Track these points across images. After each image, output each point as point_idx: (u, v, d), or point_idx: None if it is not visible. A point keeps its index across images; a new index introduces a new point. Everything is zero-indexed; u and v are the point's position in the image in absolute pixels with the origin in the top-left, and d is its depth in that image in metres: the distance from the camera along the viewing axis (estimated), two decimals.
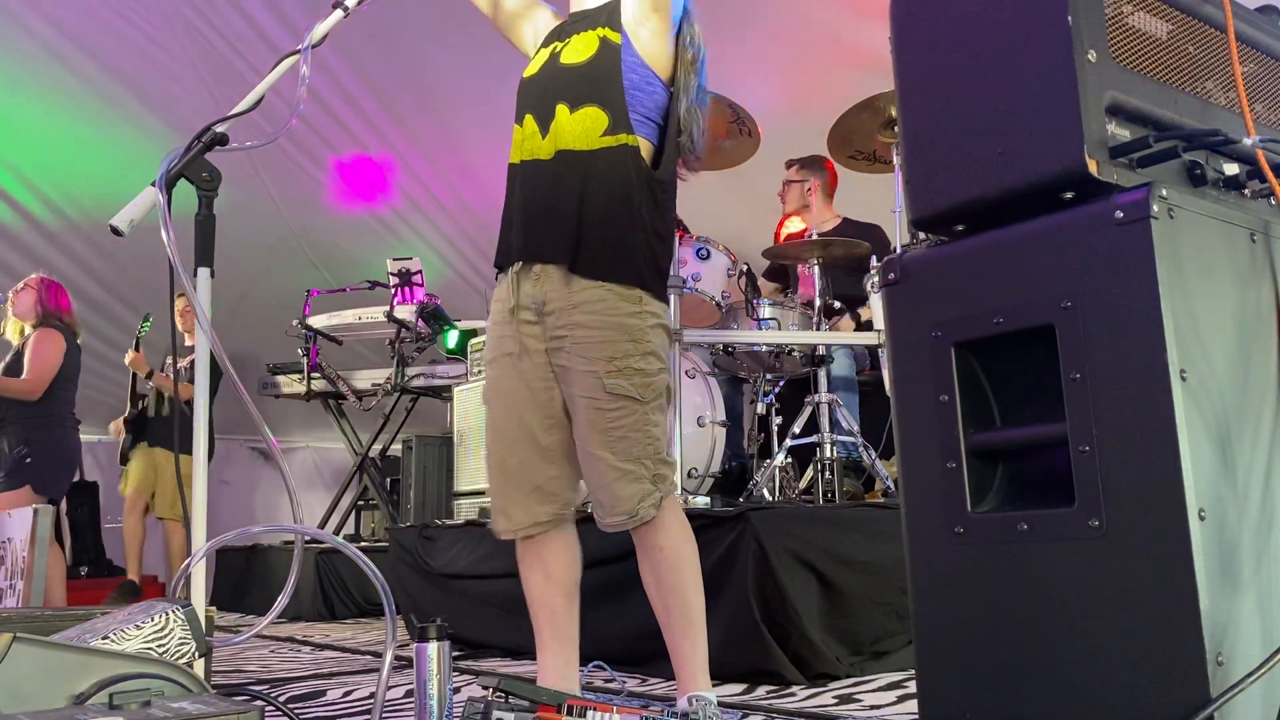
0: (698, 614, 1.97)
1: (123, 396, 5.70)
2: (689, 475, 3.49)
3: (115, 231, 1.70)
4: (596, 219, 1.95)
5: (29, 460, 4.68)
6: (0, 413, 4.75)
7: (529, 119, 2.05)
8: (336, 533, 6.03)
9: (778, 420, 3.89)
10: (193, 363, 5.44)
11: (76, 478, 5.57)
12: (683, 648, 1.96)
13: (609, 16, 2.06)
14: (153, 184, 1.70)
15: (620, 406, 1.91)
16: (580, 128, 1.98)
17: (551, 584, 2.06)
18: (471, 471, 4.63)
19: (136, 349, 5.58)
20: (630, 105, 1.98)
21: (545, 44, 2.15)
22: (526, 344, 2.02)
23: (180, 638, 1.39)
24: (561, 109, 2.00)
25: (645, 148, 2.01)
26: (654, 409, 1.96)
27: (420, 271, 5.85)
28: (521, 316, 2.03)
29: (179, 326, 5.75)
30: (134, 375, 5.62)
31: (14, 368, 4.84)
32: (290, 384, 6.12)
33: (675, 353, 3.30)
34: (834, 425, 3.56)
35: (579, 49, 2.04)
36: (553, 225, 1.97)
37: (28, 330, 4.87)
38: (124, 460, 5.63)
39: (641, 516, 1.92)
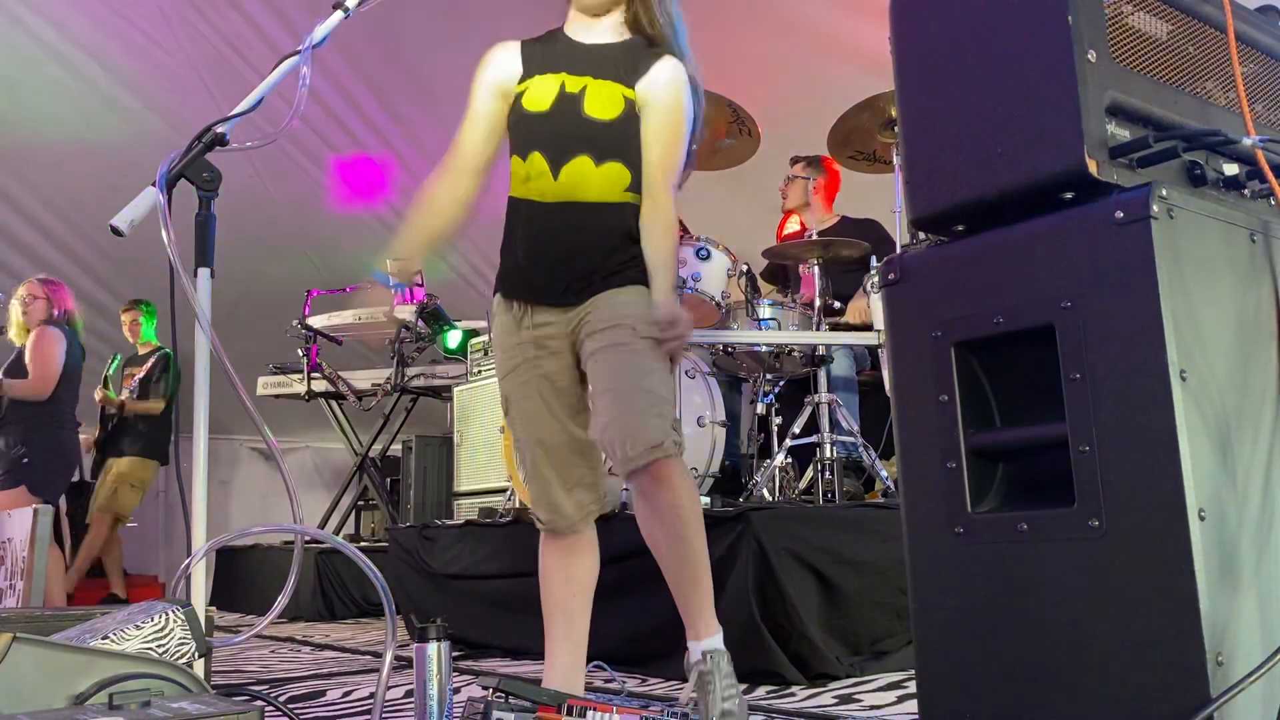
0: (705, 564, 1.99)
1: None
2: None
3: (115, 231, 1.70)
4: (615, 258, 2.03)
5: (26, 460, 4.69)
6: (2, 412, 4.76)
7: (537, 157, 2.04)
8: (336, 533, 6.04)
9: (778, 420, 3.89)
10: (144, 374, 5.54)
11: (76, 478, 5.58)
12: (695, 598, 1.98)
13: (626, 72, 2.06)
14: (153, 184, 1.70)
15: (650, 349, 1.97)
16: (605, 182, 2.02)
17: (572, 586, 2.10)
18: (471, 471, 4.63)
19: (105, 386, 5.68)
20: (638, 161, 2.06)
21: (539, 70, 2.10)
22: (544, 344, 2.06)
23: (180, 638, 1.39)
24: (585, 161, 2.01)
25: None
26: (669, 370, 2.02)
27: (420, 271, 5.84)
28: (535, 320, 2.06)
29: (129, 338, 5.87)
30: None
31: (17, 368, 4.84)
32: (290, 384, 6.12)
33: None
34: (834, 425, 3.56)
35: (604, 103, 2.03)
36: (576, 274, 2.02)
37: (32, 330, 4.88)
38: (94, 476, 5.70)
39: (666, 450, 1.90)
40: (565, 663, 2.07)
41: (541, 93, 2.07)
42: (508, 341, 2.10)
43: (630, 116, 2.04)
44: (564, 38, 2.14)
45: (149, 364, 5.66)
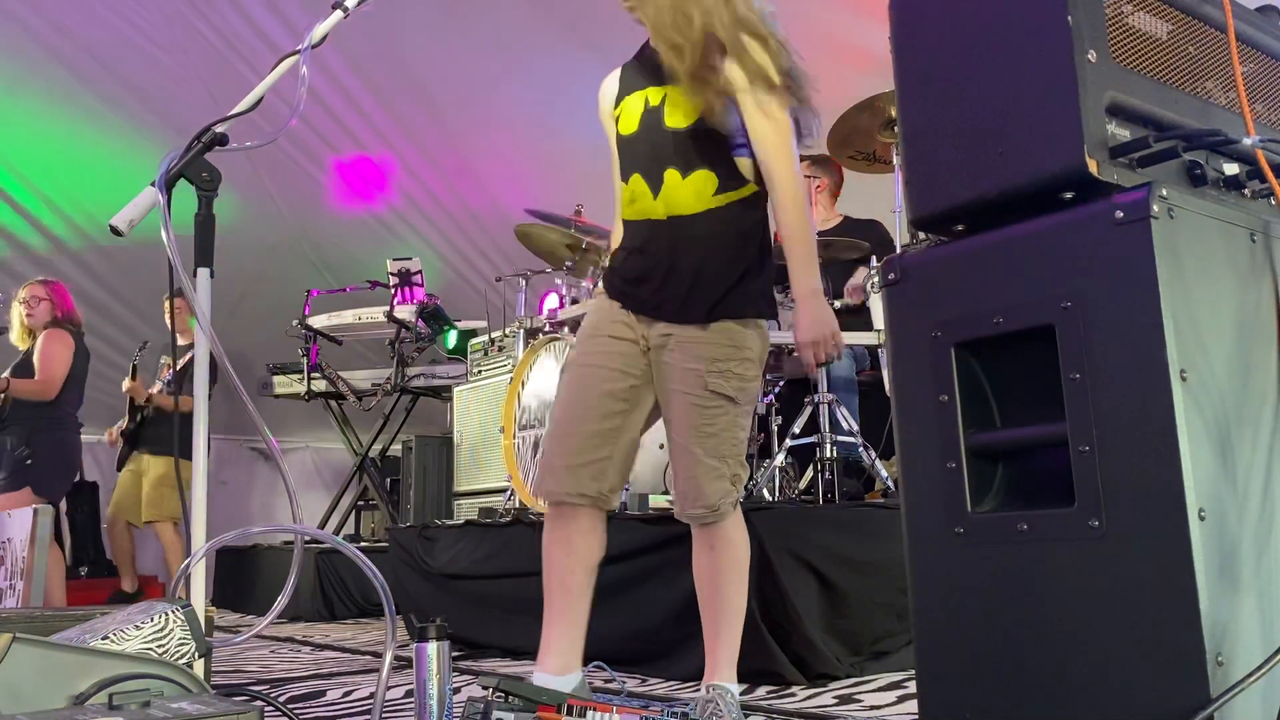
0: (739, 614, 2.08)
1: (121, 396, 5.69)
2: None
3: (115, 231, 1.70)
4: (717, 277, 2.03)
5: (30, 462, 4.69)
6: (4, 413, 4.76)
7: (637, 179, 2.08)
8: (336, 533, 6.03)
9: (777, 420, 3.89)
10: (188, 365, 5.42)
11: (76, 478, 5.57)
12: (720, 640, 2.06)
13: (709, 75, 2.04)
14: (152, 184, 1.70)
15: (717, 406, 2.00)
16: (693, 191, 2.03)
17: (574, 558, 2.08)
18: (471, 471, 4.63)
19: (134, 377, 5.52)
20: (734, 152, 2.05)
21: (629, 90, 2.14)
22: (625, 332, 2.08)
23: (180, 638, 1.39)
24: (673, 174, 2.04)
25: (746, 166, 2.06)
26: (744, 413, 2.05)
27: (420, 271, 5.85)
28: (623, 313, 2.09)
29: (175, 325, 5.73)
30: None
31: (24, 370, 4.84)
32: (290, 384, 6.11)
33: None
34: (834, 425, 3.56)
35: (683, 110, 2.04)
36: (676, 289, 2.03)
37: (38, 334, 4.88)
38: (120, 468, 5.62)
39: (722, 512, 2.01)
40: (560, 642, 2.05)
41: (630, 114, 2.12)
42: (603, 314, 2.12)
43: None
44: (648, 49, 2.15)
45: (189, 357, 5.44)
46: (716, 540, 2.04)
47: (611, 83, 2.21)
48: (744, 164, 2.06)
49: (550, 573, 2.09)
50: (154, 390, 5.51)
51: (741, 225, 2.05)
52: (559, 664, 2.02)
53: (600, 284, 2.19)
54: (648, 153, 2.07)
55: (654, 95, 2.09)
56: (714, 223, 2.03)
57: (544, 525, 2.12)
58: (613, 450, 2.07)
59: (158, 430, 5.49)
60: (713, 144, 2.04)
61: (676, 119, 2.05)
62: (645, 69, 2.14)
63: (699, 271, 2.02)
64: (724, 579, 2.05)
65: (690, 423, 2.00)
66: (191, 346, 5.51)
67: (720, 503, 1.99)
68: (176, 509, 5.48)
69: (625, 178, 2.12)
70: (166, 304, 5.65)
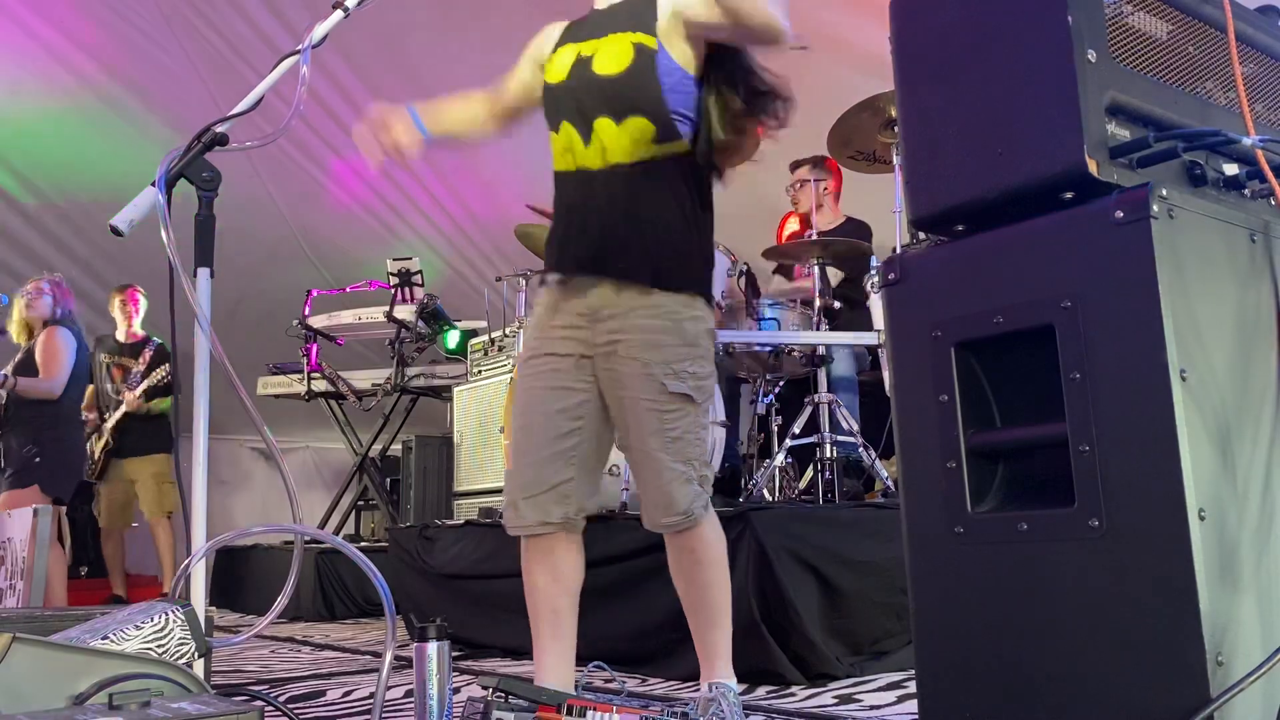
0: (726, 609, 2.05)
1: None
2: None
3: (115, 232, 1.70)
4: (653, 233, 1.97)
5: (38, 460, 4.68)
6: (10, 411, 4.75)
7: (567, 127, 2.03)
8: (336, 533, 6.03)
9: (778, 420, 3.89)
10: (146, 369, 5.34)
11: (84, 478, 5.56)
12: (711, 637, 2.05)
13: (640, 19, 2.03)
14: (152, 184, 1.70)
15: (678, 408, 1.95)
16: (628, 139, 1.97)
17: (558, 585, 2.05)
18: (471, 471, 4.63)
19: (131, 388, 5.46)
20: (670, 108, 1.98)
21: (563, 43, 2.11)
22: (565, 347, 2.02)
23: (180, 638, 1.39)
24: (605, 122, 1.98)
25: (686, 148, 2.01)
26: (704, 412, 2.01)
27: (420, 271, 5.85)
28: (562, 321, 2.03)
29: (121, 320, 5.57)
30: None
31: (25, 367, 4.83)
32: (290, 384, 6.11)
33: None
34: (834, 425, 3.56)
35: (614, 57, 2.00)
36: (611, 244, 1.97)
37: (37, 330, 4.87)
38: (99, 477, 5.54)
39: (695, 517, 1.97)
40: (556, 663, 2.04)
41: (559, 64, 2.08)
42: (538, 332, 2.07)
43: (641, 59, 1.98)
44: (592, 12, 2.15)
45: (146, 356, 5.40)
46: (696, 544, 2.00)
47: (553, 31, 2.19)
48: (683, 138, 1.99)
49: (536, 600, 2.05)
50: (132, 396, 5.41)
51: (680, 188, 1.98)
52: (556, 682, 2.02)
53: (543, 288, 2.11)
54: (576, 100, 2.02)
55: (586, 48, 2.06)
56: (654, 174, 1.97)
57: (522, 554, 2.07)
58: (574, 470, 2.01)
59: (134, 436, 5.46)
60: (643, 96, 1.97)
61: (605, 66, 2.00)
62: (586, 27, 2.12)
63: (640, 222, 1.95)
64: (709, 579, 2.02)
65: (652, 428, 1.94)
66: (143, 344, 5.48)
67: (693, 507, 1.95)
68: (176, 505, 5.47)
69: (555, 126, 2.06)
70: (119, 295, 5.63)
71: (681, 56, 2.00)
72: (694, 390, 1.96)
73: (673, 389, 1.93)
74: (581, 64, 2.04)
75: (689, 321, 1.98)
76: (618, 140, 1.98)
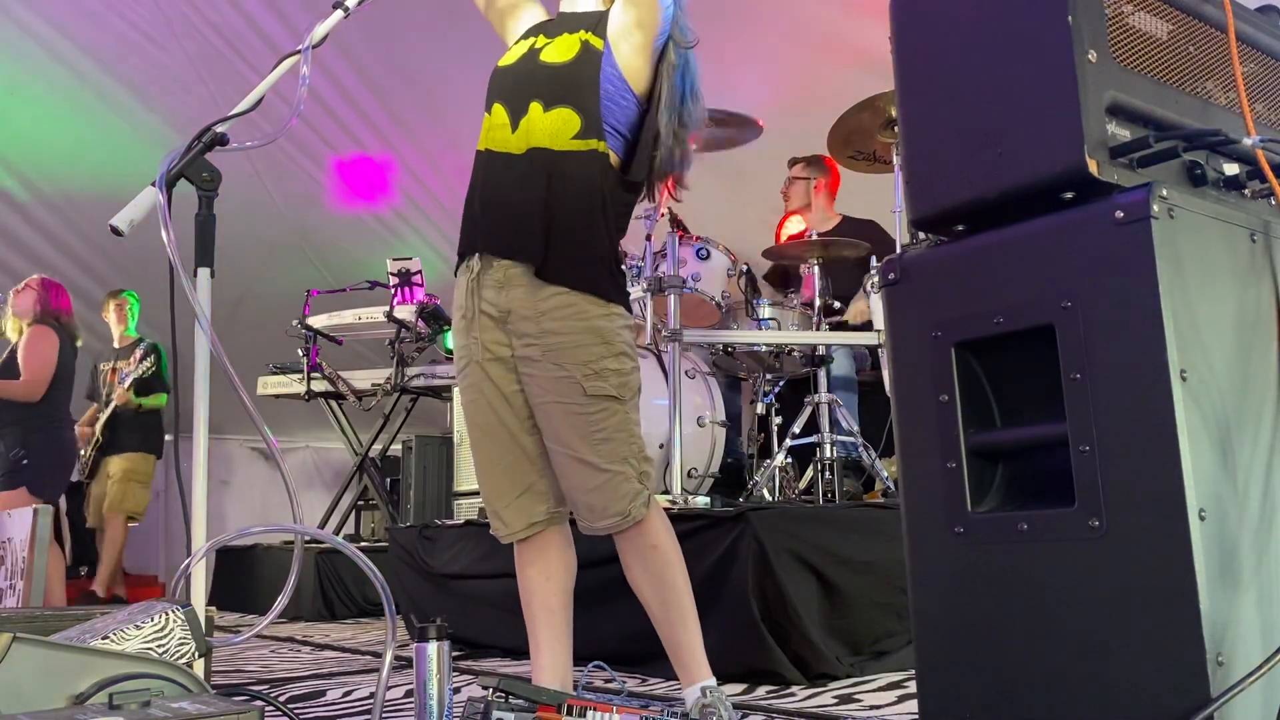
0: (690, 604, 1.99)
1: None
2: (689, 475, 3.49)
3: (115, 232, 1.69)
4: (563, 222, 1.94)
5: (26, 462, 4.68)
6: None
7: (499, 108, 2.04)
8: (336, 533, 6.03)
9: (777, 420, 3.89)
10: (137, 369, 5.35)
11: (76, 477, 5.56)
12: (684, 639, 1.98)
13: (596, 23, 2.05)
14: (153, 184, 1.70)
15: (603, 409, 1.92)
16: (552, 127, 1.97)
17: (552, 583, 2.05)
18: (471, 471, 4.63)
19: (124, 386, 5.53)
20: (604, 114, 1.98)
21: (525, 36, 2.14)
22: (490, 350, 2.00)
23: (180, 638, 1.39)
24: (535, 106, 1.99)
25: (613, 160, 2.00)
26: (632, 407, 1.97)
27: (420, 271, 5.84)
28: (481, 324, 2.00)
29: (114, 326, 5.69)
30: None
31: (9, 366, 4.83)
32: (290, 384, 6.11)
33: (675, 352, 3.30)
34: (834, 425, 3.56)
35: (561, 49, 2.03)
36: (520, 222, 1.96)
37: (24, 329, 4.87)
38: (91, 474, 5.57)
39: (634, 516, 1.93)
40: (554, 663, 2.03)
41: (513, 52, 2.12)
42: (462, 340, 2.06)
43: (586, 56, 2.00)
44: (558, 14, 2.19)
45: (136, 356, 5.44)
46: (642, 545, 1.96)
47: (530, 18, 2.21)
48: (605, 143, 1.98)
49: (530, 600, 2.05)
50: (120, 392, 5.45)
51: (596, 190, 1.96)
52: (553, 681, 2.01)
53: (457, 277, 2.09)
54: (515, 83, 2.04)
55: (540, 41, 2.08)
56: (572, 166, 1.95)
57: (516, 559, 2.07)
58: (540, 469, 2.01)
59: (119, 432, 5.51)
60: (577, 89, 1.98)
61: (551, 55, 2.03)
62: (548, 26, 2.14)
63: (546, 208, 1.93)
64: (667, 579, 1.97)
65: (578, 432, 1.91)
66: (134, 346, 5.51)
67: (631, 506, 1.92)
68: (140, 506, 5.51)
69: (488, 107, 2.07)
70: (110, 302, 5.67)
71: (627, 69, 2.01)
72: (618, 388, 1.93)
73: (592, 391, 1.91)
74: (533, 53, 2.07)
75: (601, 319, 1.95)
76: (541, 126, 1.98)
